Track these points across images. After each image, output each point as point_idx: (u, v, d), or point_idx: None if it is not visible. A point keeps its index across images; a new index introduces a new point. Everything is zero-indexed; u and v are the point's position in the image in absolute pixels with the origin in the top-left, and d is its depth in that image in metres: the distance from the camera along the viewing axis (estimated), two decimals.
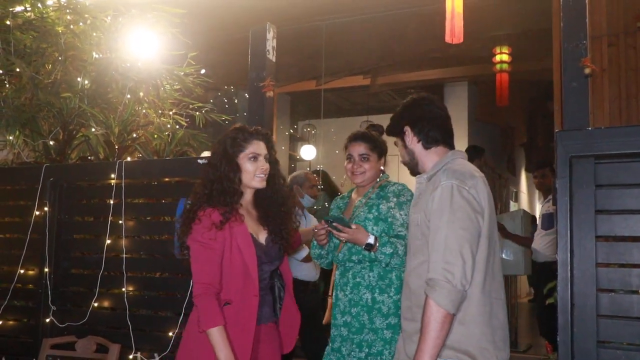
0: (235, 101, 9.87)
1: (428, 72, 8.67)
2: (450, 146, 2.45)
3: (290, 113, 10.96)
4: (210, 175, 2.57)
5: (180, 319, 3.51)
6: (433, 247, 2.11)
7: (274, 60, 3.77)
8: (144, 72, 4.53)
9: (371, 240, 2.83)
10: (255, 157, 2.60)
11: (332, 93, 9.60)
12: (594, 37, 5.00)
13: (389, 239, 2.88)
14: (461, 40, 4.70)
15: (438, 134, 2.42)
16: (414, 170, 2.49)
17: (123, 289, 3.73)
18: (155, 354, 3.59)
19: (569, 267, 2.57)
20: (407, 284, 2.35)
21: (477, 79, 9.36)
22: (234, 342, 2.39)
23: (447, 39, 4.70)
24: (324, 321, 3.24)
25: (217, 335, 2.35)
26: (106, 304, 3.84)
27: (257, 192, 2.68)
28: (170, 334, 3.56)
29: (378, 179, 3.16)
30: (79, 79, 4.56)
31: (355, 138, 3.15)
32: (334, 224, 2.83)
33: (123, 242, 3.77)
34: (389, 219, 2.98)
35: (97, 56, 4.57)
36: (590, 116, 2.81)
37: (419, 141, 2.43)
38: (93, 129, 4.44)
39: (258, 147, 2.62)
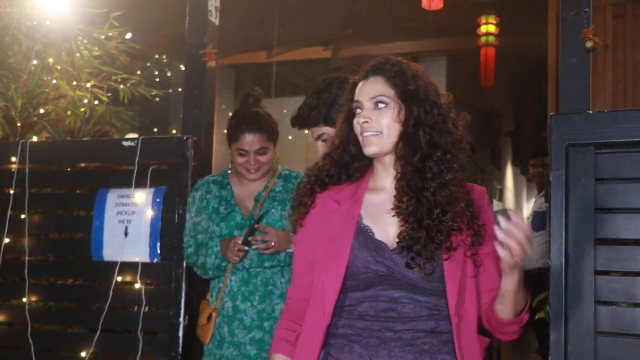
0: (169, 74, 9.75)
1: (400, 44, 8.70)
2: None
3: (235, 89, 10.89)
4: None
5: (96, 335, 3.44)
6: None
7: (217, 23, 3.74)
8: (55, 32, 4.42)
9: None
10: None
11: (286, 67, 9.55)
12: (597, 7, 5.08)
13: None
14: (440, 6, 4.75)
15: None
16: None
17: (24, 300, 3.63)
18: None
19: (563, 275, 2.61)
20: None
21: (458, 53, 9.42)
22: None
23: (424, 4, 4.74)
24: (207, 341, 2.94)
25: None
26: (1, 317, 3.73)
27: None
28: (83, 354, 3.48)
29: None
30: None
31: (248, 127, 2.98)
32: (255, 236, 2.82)
33: (26, 241, 3.67)
34: None
35: None
36: (591, 99, 2.86)
37: None
38: None
39: None
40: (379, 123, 1.95)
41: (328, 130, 2.52)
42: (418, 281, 1.89)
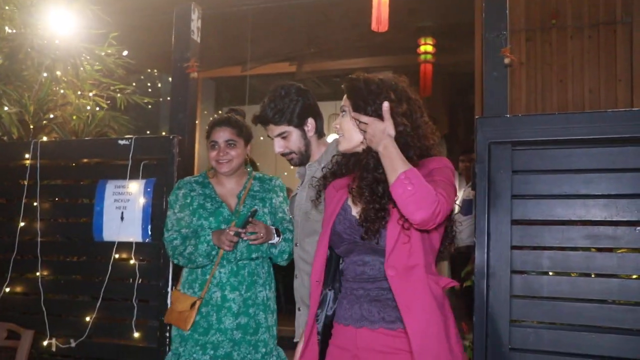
0: (159, 85, 9.68)
1: (353, 60, 8.72)
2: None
3: (215, 98, 10.83)
4: None
5: (98, 303, 3.44)
6: None
7: (198, 41, 3.72)
8: (62, 49, 4.37)
9: (275, 233, 2.80)
10: None
11: (258, 79, 9.50)
12: (513, 31, 5.19)
13: (284, 228, 2.86)
14: (386, 28, 4.76)
15: (322, 125, 2.66)
16: (302, 161, 2.63)
17: (37, 274, 3.60)
18: (72, 340, 3.49)
19: (485, 250, 2.67)
20: None
21: (402, 69, 9.43)
22: None
23: (373, 27, 4.75)
24: (188, 327, 2.71)
25: None
26: (18, 289, 3.70)
27: None
28: (87, 319, 3.47)
29: (247, 168, 3.03)
30: None
31: (219, 123, 2.92)
32: (247, 227, 2.69)
33: (38, 225, 3.64)
34: (279, 214, 2.92)
35: (10, 31, 4.37)
36: (509, 106, 2.92)
37: (315, 132, 2.63)
38: (6, 108, 4.25)
39: None
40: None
41: (289, 129, 2.56)
42: (378, 247, 1.97)
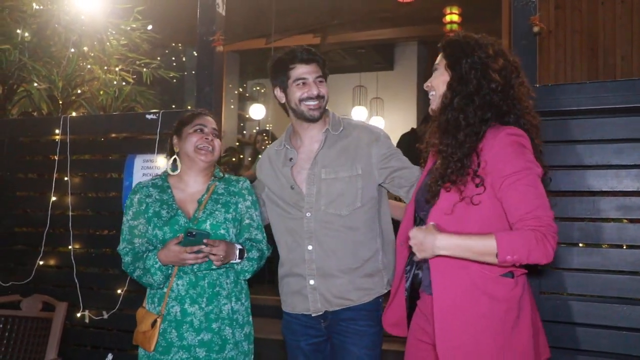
0: (183, 59, 9.68)
1: (378, 31, 8.63)
2: None
3: (240, 72, 10.82)
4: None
5: (129, 276, 3.47)
6: None
7: (223, 13, 3.70)
8: (88, 25, 4.40)
9: (238, 250, 2.44)
10: None
11: (282, 51, 9.49)
12: None
13: (250, 242, 2.54)
14: None
15: None
16: (322, 113, 2.47)
17: (69, 247, 3.66)
18: (104, 312, 3.56)
19: None
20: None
21: (427, 39, 9.38)
22: None
23: None
24: (152, 348, 2.40)
25: None
26: (52, 262, 3.77)
27: None
28: (119, 291, 3.54)
29: (215, 170, 2.66)
30: (18, 31, 4.38)
31: (204, 111, 2.65)
32: (205, 241, 2.31)
33: (69, 199, 3.68)
34: (246, 221, 2.56)
35: (37, 7, 4.40)
36: (537, 74, 2.87)
37: None
38: (35, 84, 4.29)
39: None
40: None
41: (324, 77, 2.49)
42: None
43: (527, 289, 1.93)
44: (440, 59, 2.05)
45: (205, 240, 2.29)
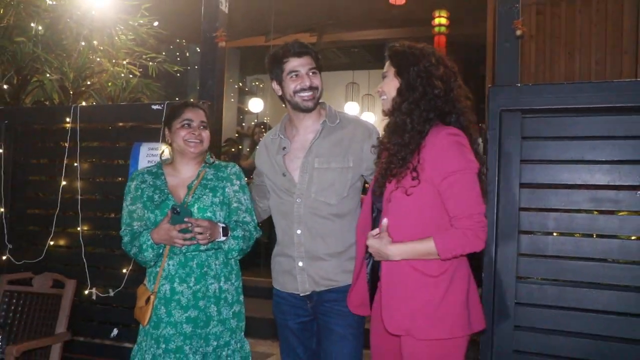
0: (187, 54, 9.67)
1: (371, 32, 8.66)
2: None
3: (240, 67, 10.81)
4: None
5: None
6: None
7: (226, 11, 3.71)
8: (98, 20, 4.40)
9: (222, 227, 2.45)
10: None
11: None
12: (524, 5, 5.09)
13: (236, 223, 2.54)
14: (403, 1, 4.72)
15: None
16: (316, 103, 2.46)
17: (78, 229, 3.68)
18: (110, 290, 3.58)
19: (495, 211, 2.67)
20: None
21: (417, 40, 9.33)
22: None
23: (390, 0, 4.71)
24: (145, 323, 2.46)
25: None
26: (62, 242, 3.79)
27: None
28: (124, 270, 3.55)
29: (207, 156, 2.65)
30: (32, 25, 4.38)
31: (192, 104, 2.61)
32: (186, 220, 2.34)
33: (78, 183, 3.69)
34: (234, 204, 2.57)
35: (50, 2, 4.39)
36: (519, 75, 2.89)
37: None
38: (48, 75, 4.29)
39: None
40: None
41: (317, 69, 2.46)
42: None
43: (461, 268, 2.04)
44: (388, 67, 2.16)
45: (186, 219, 2.32)
